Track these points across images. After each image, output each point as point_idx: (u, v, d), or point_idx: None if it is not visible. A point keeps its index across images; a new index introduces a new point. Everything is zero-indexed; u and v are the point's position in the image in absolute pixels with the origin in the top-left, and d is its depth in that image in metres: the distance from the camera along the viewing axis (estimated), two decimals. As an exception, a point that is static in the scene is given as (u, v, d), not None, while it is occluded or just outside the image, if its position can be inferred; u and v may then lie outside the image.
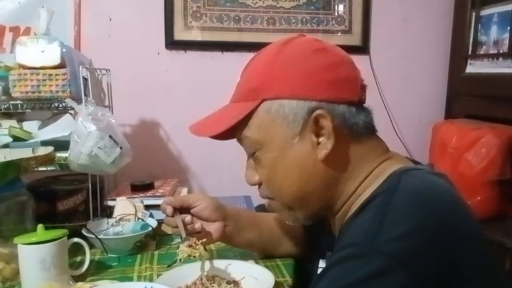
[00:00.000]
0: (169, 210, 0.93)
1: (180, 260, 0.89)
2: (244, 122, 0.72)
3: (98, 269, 1.03)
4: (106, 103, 1.40)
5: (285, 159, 0.71)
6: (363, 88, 0.73)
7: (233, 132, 0.75)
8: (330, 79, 0.69)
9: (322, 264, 0.84)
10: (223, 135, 0.74)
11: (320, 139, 0.69)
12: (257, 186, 0.78)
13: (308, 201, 0.73)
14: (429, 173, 0.69)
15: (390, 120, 1.80)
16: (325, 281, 0.58)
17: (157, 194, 1.29)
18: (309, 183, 0.71)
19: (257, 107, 0.71)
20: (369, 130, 0.73)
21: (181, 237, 0.92)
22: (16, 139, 1.19)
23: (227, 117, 0.73)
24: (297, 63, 0.69)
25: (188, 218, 0.94)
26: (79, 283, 0.89)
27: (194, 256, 0.88)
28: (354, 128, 0.70)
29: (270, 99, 0.70)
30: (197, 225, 0.94)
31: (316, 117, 0.68)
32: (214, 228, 0.96)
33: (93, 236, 1.07)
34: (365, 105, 0.75)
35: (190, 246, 0.88)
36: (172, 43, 1.63)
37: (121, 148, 1.14)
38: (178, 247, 0.90)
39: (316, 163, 0.69)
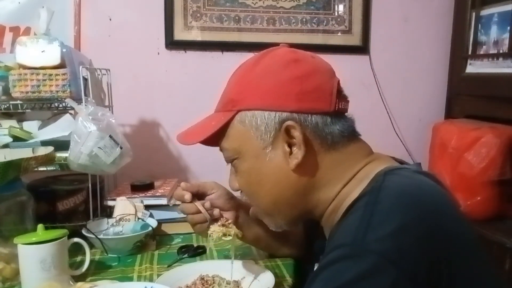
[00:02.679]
0: (188, 196, 0.92)
1: (213, 240, 0.87)
2: (222, 131, 0.75)
3: (98, 269, 1.03)
4: (106, 103, 1.40)
5: (259, 169, 0.74)
6: (342, 98, 0.74)
7: (217, 139, 0.77)
8: (300, 91, 0.70)
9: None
10: (210, 142, 0.77)
11: (292, 149, 0.71)
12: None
13: (284, 208, 0.76)
14: (415, 172, 0.69)
15: (390, 120, 1.80)
16: (317, 283, 0.58)
17: (157, 194, 1.29)
18: (283, 191, 0.73)
19: (233, 118, 0.74)
20: (347, 137, 0.73)
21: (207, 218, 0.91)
22: (16, 139, 1.19)
23: (208, 126, 0.76)
24: (270, 75, 0.72)
25: (207, 203, 0.93)
26: (79, 283, 0.89)
27: (229, 235, 0.87)
28: (328, 138, 0.71)
29: (244, 110, 0.73)
30: (216, 211, 0.93)
31: (286, 128, 0.70)
32: (227, 217, 0.96)
33: (93, 236, 1.07)
34: (347, 113, 0.76)
35: (223, 225, 0.88)
36: (172, 43, 1.63)
37: (121, 148, 1.14)
38: (208, 228, 0.88)
39: (288, 172, 0.72)
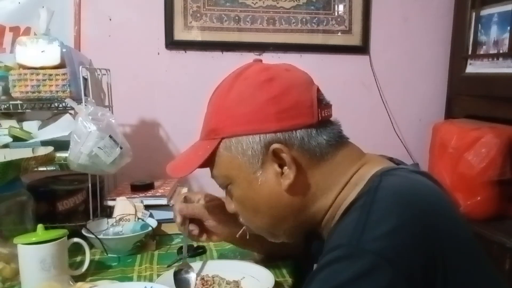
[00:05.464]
0: (179, 219, 0.94)
1: None
2: (211, 160, 0.74)
3: (98, 269, 1.02)
4: (106, 103, 1.40)
5: (253, 194, 0.73)
6: (324, 106, 0.72)
7: (207, 165, 0.76)
8: (279, 110, 0.69)
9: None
10: (201, 167, 0.76)
11: (283, 170, 0.70)
12: None
13: (283, 226, 0.75)
14: (412, 172, 0.69)
15: (390, 120, 1.80)
16: (315, 284, 0.58)
17: (157, 194, 1.29)
18: (280, 212, 0.73)
19: (218, 146, 0.72)
20: (335, 145, 0.72)
21: (183, 252, 0.94)
22: (16, 139, 1.19)
23: (195, 157, 0.75)
24: (246, 99, 0.70)
25: (195, 231, 0.95)
26: (79, 283, 0.89)
27: None
28: (317, 150, 0.70)
29: (227, 137, 0.71)
30: (202, 238, 0.96)
31: (274, 151, 0.69)
32: (217, 238, 0.98)
33: (93, 236, 1.07)
34: (332, 118, 0.74)
35: None
36: (172, 43, 1.63)
37: (121, 148, 1.14)
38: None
39: (282, 193, 0.71)
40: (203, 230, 0.96)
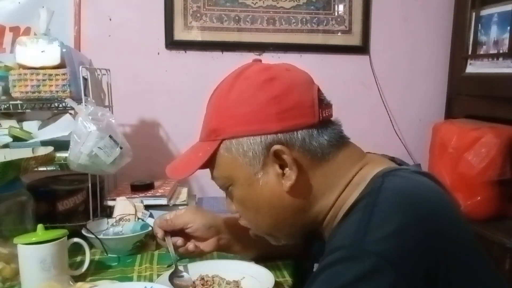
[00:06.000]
0: (160, 234, 0.96)
1: None
2: (211, 161, 0.74)
3: (98, 269, 1.02)
4: (106, 103, 1.40)
5: (254, 195, 0.72)
6: (325, 106, 0.71)
7: (207, 166, 0.76)
8: (280, 110, 0.68)
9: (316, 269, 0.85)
10: (201, 167, 0.75)
11: (284, 171, 0.70)
12: None
13: (284, 227, 0.75)
14: (414, 173, 0.69)
15: (390, 120, 1.80)
16: (316, 285, 0.58)
17: (157, 194, 1.29)
18: (281, 213, 0.73)
19: (218, 148, 0.72)
20: (336, 145, 0.72)
21: (172, 260, 0.94)
22: (16, 139, 1.19)
23: (195, 158, 0.75)
24: (246, 100, 0.70)
25: (179, 241, 0.96)
26: (79, 283, 0.89)
27: None
28: (318, 150, 0.70)
29: (228, 139, 0.71)
30: (190, 246, 0.96)
31: (275, 152, 0.68)
32: (205, 244, 0.97)
33: (93, 236, 1.07)
34: (333, 118, 0.74)
35: None
36: (172, 43, 1.63)
37: (121, 148, 1.14)
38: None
39: (283, 194, 0.70)
40: (188, 239, 0.97)
